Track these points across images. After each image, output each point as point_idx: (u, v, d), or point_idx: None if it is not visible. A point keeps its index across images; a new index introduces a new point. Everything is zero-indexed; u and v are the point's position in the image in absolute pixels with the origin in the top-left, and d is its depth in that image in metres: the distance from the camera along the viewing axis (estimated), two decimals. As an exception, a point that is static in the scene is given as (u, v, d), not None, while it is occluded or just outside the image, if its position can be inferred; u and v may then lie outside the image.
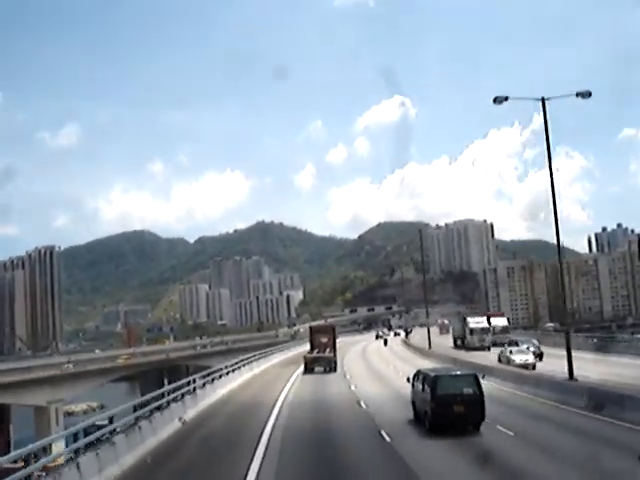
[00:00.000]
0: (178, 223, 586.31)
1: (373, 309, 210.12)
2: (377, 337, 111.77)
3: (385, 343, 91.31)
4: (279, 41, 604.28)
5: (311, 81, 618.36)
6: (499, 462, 16.66)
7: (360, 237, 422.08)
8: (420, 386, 22.63)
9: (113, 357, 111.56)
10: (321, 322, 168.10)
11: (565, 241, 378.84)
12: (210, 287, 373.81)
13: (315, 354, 51.89)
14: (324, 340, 55.17)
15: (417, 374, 23.80)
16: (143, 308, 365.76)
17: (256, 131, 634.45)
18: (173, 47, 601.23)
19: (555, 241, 32.82)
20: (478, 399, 20.71)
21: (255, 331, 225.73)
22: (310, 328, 66.08)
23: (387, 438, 20.23)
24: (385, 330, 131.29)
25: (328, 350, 52.65)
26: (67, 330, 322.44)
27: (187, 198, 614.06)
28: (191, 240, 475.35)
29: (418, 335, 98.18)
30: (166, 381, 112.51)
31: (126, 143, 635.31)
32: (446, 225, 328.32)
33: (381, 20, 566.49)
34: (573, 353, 31.50)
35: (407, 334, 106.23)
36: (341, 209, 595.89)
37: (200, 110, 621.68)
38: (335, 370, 48.82)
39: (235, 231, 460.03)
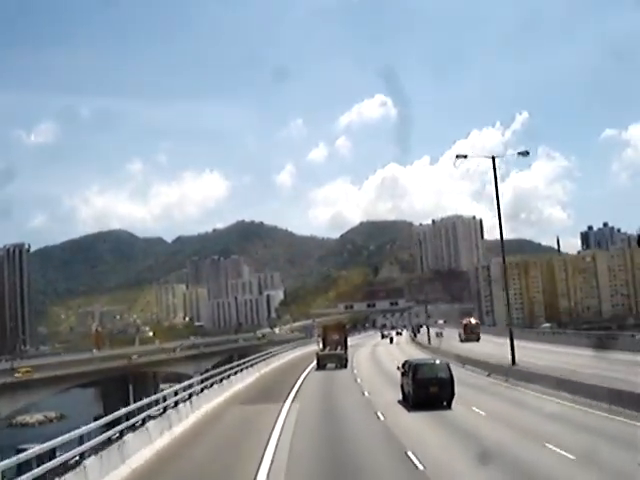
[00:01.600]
0: (156, 223, 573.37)
1: (374, 304, 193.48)
2: (383, 337, 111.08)
3: (391, 341, 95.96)
4: (260, 39, 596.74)
5: (292, 79, 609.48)
6: None
7: (342, 236, 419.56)
8: (405, 372, 27.00)
9: (10, 370, 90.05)
10: (309, 321, 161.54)
11: (547, 241, 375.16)
12: (187, 287, 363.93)
13: (327, 351, 53.38)
14: (336, 338, 57.20)
15: (404, 363, 28.25)
16: (119, 309, 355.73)
17: (236, 130, 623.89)
18: (153, 45, 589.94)
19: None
20: (449, 381, 25.14)
21: (233, 333, 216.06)
22: (322, 327, 71.27)
23: None
24: (390, 330, 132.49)
25: (339, 347, 54.23)
26: (41, 332, 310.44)
27: (165, 197, 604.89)
28: (169, 240, 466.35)
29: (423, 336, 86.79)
30: (131, 388, 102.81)
31: (104, 141, 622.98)
32: (433, 222, 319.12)
33: (365, 18, 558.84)
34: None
35: (436, 335, 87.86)
36: (322, 209, 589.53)
37: (180, 109, 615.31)
38: (346, 367, 47.02)
39: (214, 230, 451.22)
